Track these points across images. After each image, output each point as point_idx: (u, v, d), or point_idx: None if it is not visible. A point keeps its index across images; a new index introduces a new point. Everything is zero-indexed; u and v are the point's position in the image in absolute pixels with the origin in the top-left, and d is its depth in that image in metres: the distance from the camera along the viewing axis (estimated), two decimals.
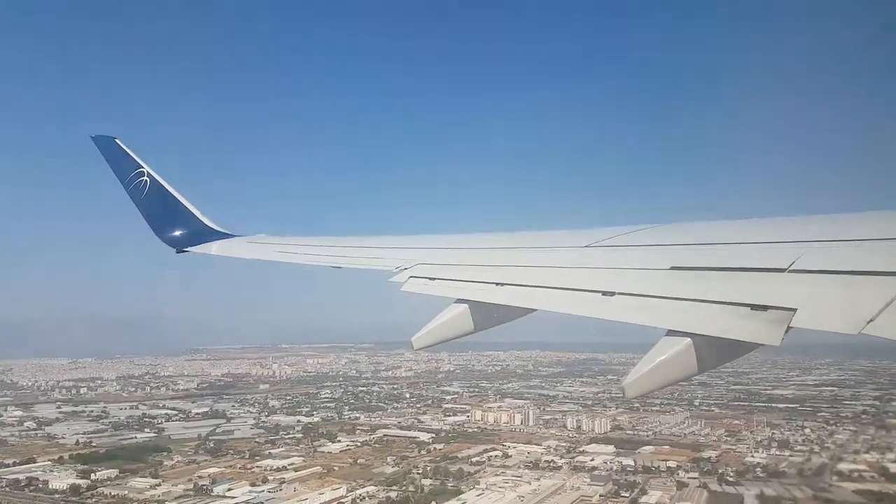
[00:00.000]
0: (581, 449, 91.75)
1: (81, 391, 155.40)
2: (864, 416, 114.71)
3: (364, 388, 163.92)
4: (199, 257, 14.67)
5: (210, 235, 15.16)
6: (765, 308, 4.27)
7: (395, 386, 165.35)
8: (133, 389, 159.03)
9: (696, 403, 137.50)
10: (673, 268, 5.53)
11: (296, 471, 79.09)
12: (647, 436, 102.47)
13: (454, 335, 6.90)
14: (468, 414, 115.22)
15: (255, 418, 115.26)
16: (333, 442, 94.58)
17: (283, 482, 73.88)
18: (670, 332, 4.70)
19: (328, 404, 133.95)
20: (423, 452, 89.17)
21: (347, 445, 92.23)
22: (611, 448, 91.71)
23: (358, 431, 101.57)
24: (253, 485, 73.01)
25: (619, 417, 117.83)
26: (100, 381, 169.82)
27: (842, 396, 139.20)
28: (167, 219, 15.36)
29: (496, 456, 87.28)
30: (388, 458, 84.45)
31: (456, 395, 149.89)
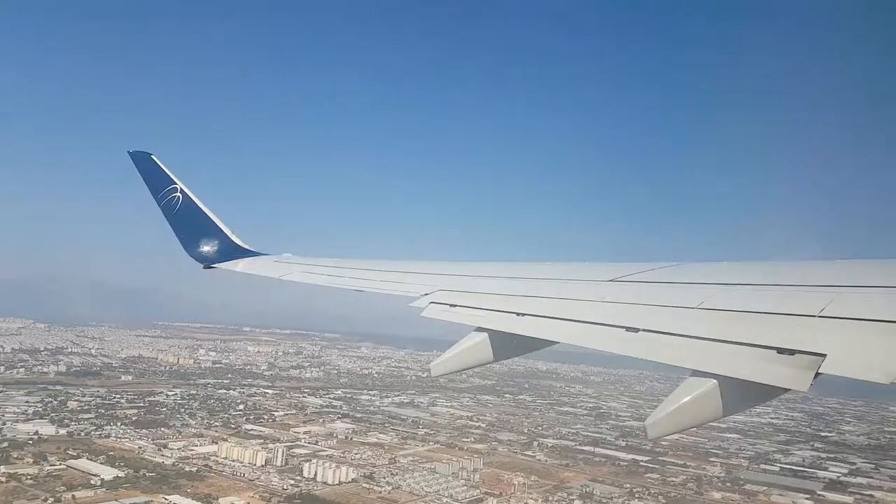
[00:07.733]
0: None
1: None
2: (688, 485, 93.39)
3: (223, 391, 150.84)
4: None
5: (238, 253, 15.41)
6: (792, 353, 4.21)
7: (259, 393, 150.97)
8: None
9: (549, 443, 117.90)
10: (700, 307, 5.44)
11: None
12: (380, 493, 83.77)
13: (473, 364, 6.83)
14: (219, 446, 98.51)
15: (3, 422, 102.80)
16: None
17: None
18: (695, 373, 4.65)
19: (130, 411, 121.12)
20: (50, 500, 72.77)
21: None
22: None
23: (51, 457, 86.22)
24: None
25: (401, 459, 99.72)
26: None
27: (722, 451, 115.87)
28: (197, 235, 15.62)
29: None
30: None
31: (294, 412, 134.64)
